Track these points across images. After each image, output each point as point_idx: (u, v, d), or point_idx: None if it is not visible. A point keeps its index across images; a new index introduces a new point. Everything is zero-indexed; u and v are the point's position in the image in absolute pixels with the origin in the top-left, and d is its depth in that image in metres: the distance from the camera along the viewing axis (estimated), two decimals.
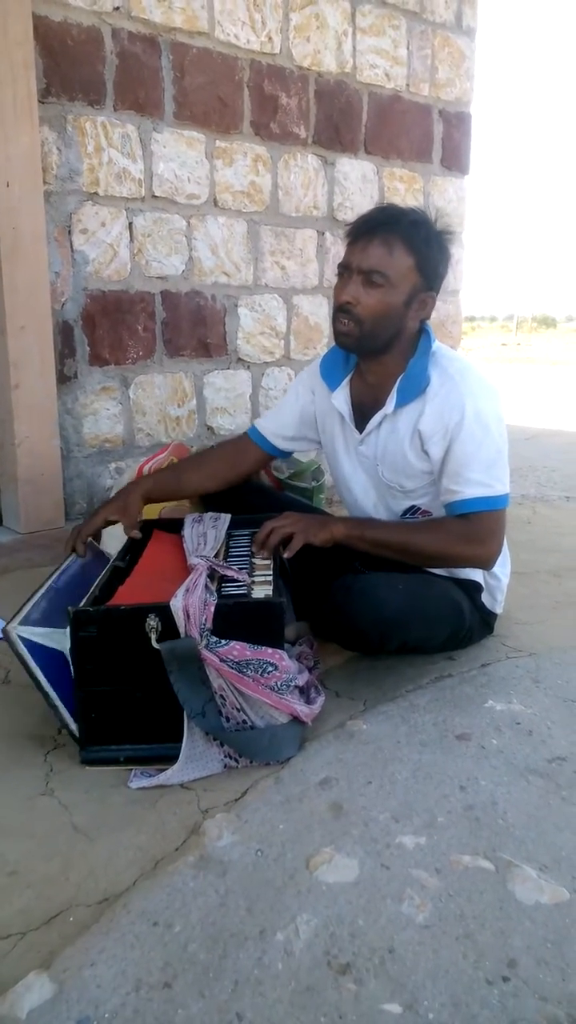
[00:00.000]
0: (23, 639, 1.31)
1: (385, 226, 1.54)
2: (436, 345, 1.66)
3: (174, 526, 1.77)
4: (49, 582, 1.52)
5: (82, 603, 1.37)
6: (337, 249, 3.15)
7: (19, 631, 1.32)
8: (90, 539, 1.71)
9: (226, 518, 1.78)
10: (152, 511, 1.92)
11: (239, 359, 2.97)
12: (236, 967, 0.92)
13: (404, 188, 3.37)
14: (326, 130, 3.07)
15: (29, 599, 1.42)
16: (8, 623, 1.32)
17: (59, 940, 0.97)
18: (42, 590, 1.47)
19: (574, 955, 0.93)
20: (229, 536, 1.73)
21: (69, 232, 2.47)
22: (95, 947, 0.95)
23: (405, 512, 1.74)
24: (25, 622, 1.34)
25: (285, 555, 1.57)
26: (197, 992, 0.88)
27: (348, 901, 1.02)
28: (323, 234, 3.14)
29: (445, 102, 3.45)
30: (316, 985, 0.89)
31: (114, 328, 2.61)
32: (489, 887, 1.04)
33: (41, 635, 1.35)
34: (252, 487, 1.98)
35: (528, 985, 0.89)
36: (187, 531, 1.69)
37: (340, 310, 1.58)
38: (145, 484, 1.80)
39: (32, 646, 1.32)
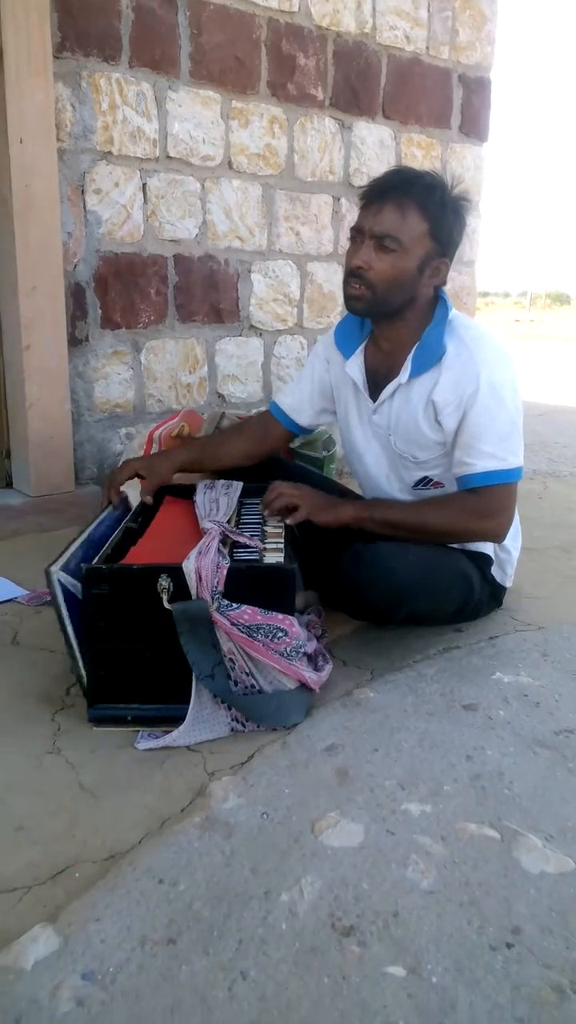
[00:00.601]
0: (61, 584, 1.31)
1: (399, 189, 1.51)
2: (453, 313, 1.63)
3: (186, 492, 1.76)
4: (88, 531, 1.51)
5: (94, 561, 1.36)
6: (353, 216, 3.09)
7: (59, 576, 1.31)
8: (123, 491, 1.71)
9: (238, 485, 1.77)
10: None
11: (251, 326, 2.94)
12: (240, 926, 0.92)
13: (421, 154, 3.30)
14: (344, 92, 3.00)
15: (68, 546, 1.42)
16: (50, 566, 1.31)
17: (65, 895, 0.98)
18: (81, 539, 1.46)
19: None
20: (241, 504, 1.72)
21: (82, 192, 2.43)
22: (101, 902, 0.95)
23: (417, 483, 1.72)
24: (64, 569, 1.33)
25: (287, 522, 1.56)
26: (202, 949, 0.89)
27: (353, 865, 1.02)
28: (339, 200, 3.09)
29: (465, 66, 3.37)
30: (320, 946, 0.89)
31: (126, 291, 2.58)
32: (494, 855, 1.04)
33: (74, 585, 1.34)
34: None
35: (532, 952, 0.89)
36: (199, 497, 1.68)
37: (351, 275, 1.55)
38: (180, 456, 1.79)
39: (66, 593, 1.32)
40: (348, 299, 1.58)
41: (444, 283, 1.61)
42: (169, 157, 2.60)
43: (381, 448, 1.75)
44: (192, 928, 0.92)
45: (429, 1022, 0.80)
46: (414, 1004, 0.82)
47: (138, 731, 1.33)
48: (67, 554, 1.37)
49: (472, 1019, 0.81)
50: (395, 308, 1.58)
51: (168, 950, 0.89)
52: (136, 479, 1.73)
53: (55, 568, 1.31)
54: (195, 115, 2.62)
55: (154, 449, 2.29)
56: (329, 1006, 0.82)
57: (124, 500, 1.73)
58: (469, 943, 0.90)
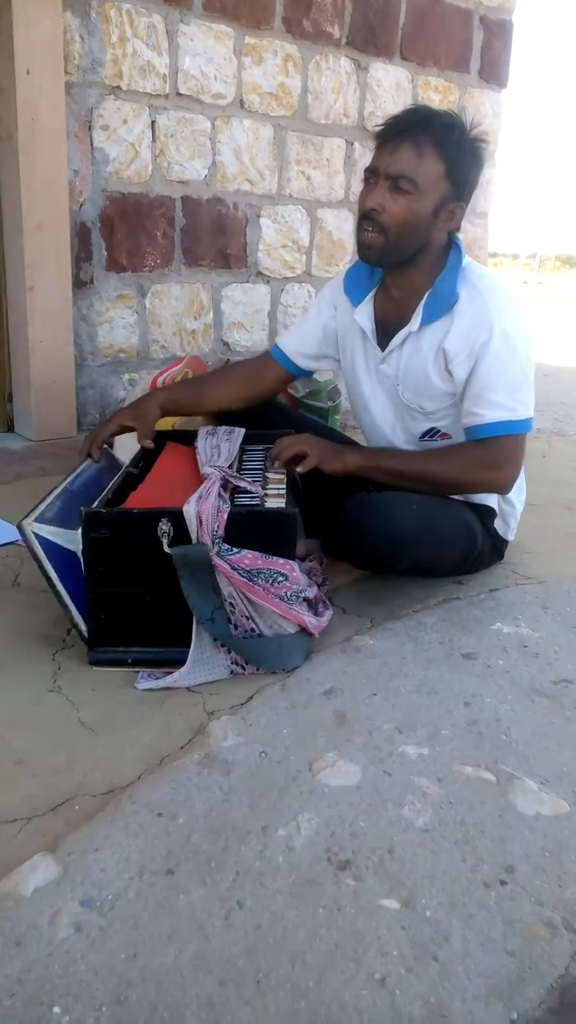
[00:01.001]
0: (37, 536, 1.31)
1: (416, 128, 1.46)
2: (466, 260, 1.60)
3: (187, 438, 1.75)
4: (64, 484, 1.51)
5: (94, 505, 1.35)
6: (365, 161, 3.02)
7: (34, 527, 1.31)
8: (104, 446, 1.69)
9: (240, 432, 1.75)
10: (166, 423, 1.89)
11: (259, 272, 2.88)
12: (238, 859, 0.93)
13: (439, 99, 3.21)
14: (361, 31, 2.91)
15: (43, 499, 1.41)
16: (23, 520, 1.31)
17: (64, 826, 0.99)
18: (57, 491, 1.46)
19: (572, 864, 0.94)
20: (243, 451, 1.71)
21: (89, 128, 2.37)
22: (100, 834, 0.97)
23: (424, 434, 1.70)
24: (40, 520, 1.33)
25: (298, 470, 1.54)
26: (199, 880, 0.90)
27: (350, 803, 1.03)
28: (352, 144, 3.01)
29: (487, 7, 3.26)
30: (316, 879, 0.91)
31: (132, 233, 2.53)
32: (490, 797, 1.05)
33: (54, 534, 1.34)
34: (268, 403, 1.94)
35: (525, 890, 0.90)
36: (201, 443, 1.67)
37: (365, 217, 1.50)
38: (161, 396, 1.77)
39: (46, 544, 1.32)
40: (361, 247, 1.54)
41: (458, 228, 1.57)
42: (179, 94, 2.52)
43: (388, 398, 1.72)
44: (190, 860, 0.93)
45: (423, 953, 0.82)
46: (408, 936, 0.84)
47: (138, 672, 1.33)
48: (42, 506, 1.37)
49: (465, 952, 0.82)
50: (408, 254, 1.54)
51: (166, 880, 0.90)
52: (129, 432, 1.71)
53: (28, 522, 1.30)
54: (207, 50, 2.54)
55: None
56: (324, 935, 0.83)
57: (108, 455, 1.72)
58: (463, 879, 0.91)
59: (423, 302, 1.58)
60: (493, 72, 3.36)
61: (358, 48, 2.92)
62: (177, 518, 1.29)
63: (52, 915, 0.85)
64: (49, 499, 1.42)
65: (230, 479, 1.46)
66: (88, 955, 0.81)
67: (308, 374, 1.91)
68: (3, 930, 0.83)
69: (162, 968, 0.80)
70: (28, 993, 0.76)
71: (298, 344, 1.83)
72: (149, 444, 1.68)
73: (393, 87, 3.06)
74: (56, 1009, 0.75)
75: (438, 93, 3.21)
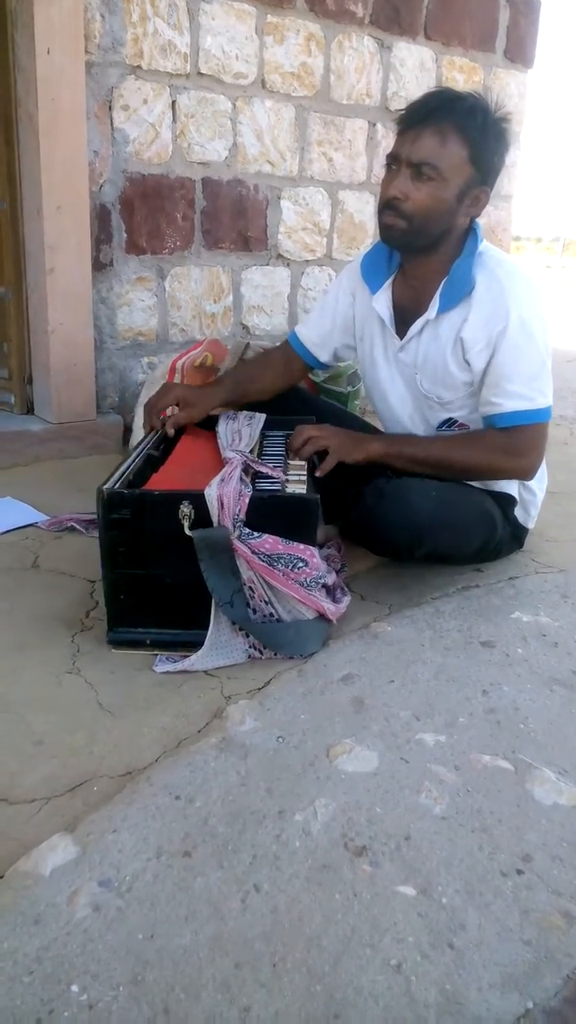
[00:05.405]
0: None
1: (439, 113, 1.43)
2: (484, 245, 1.57)
3: (207, 422, 1.74)
4: (136, 455, 1.51)
5: (116, 486, 1.35)
6: (388, 143, 2.98)
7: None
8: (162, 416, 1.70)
9: (260, 417, 1.75)
10: None
11: (279, 255, 2.86)
12: (255, 842, 0.94)
13: (463, 79, 3.16)
14: (385, 10, 2.86)
15: (119, 466, 1.42)
16: (103, 485, 1.31)
17: (83, 807, 1.00)
18: (129, 461, 1.46)
19: None
20: (263, 436, 1.70)
21: (110, 108, 2.35)
22: (118, 815, 0.97)
23: (442, 424, 1.69)
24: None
25: (317, 474, 1.51)
26: (216, 863, 0.91)
27: (366, 789, 1.03)
28: (374, 125, 2.97)
29: None
30: (332, 864, 0.91)
31: (152, 215, 2.51)
32: (507, 786, 1.05)
33: None
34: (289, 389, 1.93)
35: (542, 879, 0.90)
36: (221, 427, 1.66)
37: (387, 205, 1.48)
38: (218, 396, 1.74)
39: None
40: (383, 228, 1.52)
41: (480, 214, 1.54)
42: (200, 74, 2.49)
43: (406, 387, 1.70)
44: (207, 842, 0.94)
45: (438, 940, 0.82)
46: (424, 923, 0.84)
47: (156, 655, 1.34)
48: (117, 474, 1.37)
49: (481, 939, 0.82)
50: (431, 241, 1.52)
51: (183, 862, 0.91)
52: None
53: (108, 486, 1.31)
54: (228, 29, 2.51)
55: (176, 379, 2.26)
56: (340, 921, 0.84)
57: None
58: (480, 868, 0.91)
59: (440, 289, 1.56)
60: (519, 52, 3.30)
61: (382, 27, 2.87)
62: (199, 501, 1.29)
63: (70, 895, 0.86)
64: (121, 469, 1.41)
65: (251, 464, 1.45)
66: (106, 935, 0.82)
67: (328, 366, 1.90)
68: (22, 909, 0.84)
69: (179, 949, 0.80)
70: (46, 971, 0.77)
71: (319, 339, 1.81)
72: (171, 432, 1.68)
73: (417, 67, 3.01)
74: (74, 987, 0.76)
75: (463, 73, 3.15)
